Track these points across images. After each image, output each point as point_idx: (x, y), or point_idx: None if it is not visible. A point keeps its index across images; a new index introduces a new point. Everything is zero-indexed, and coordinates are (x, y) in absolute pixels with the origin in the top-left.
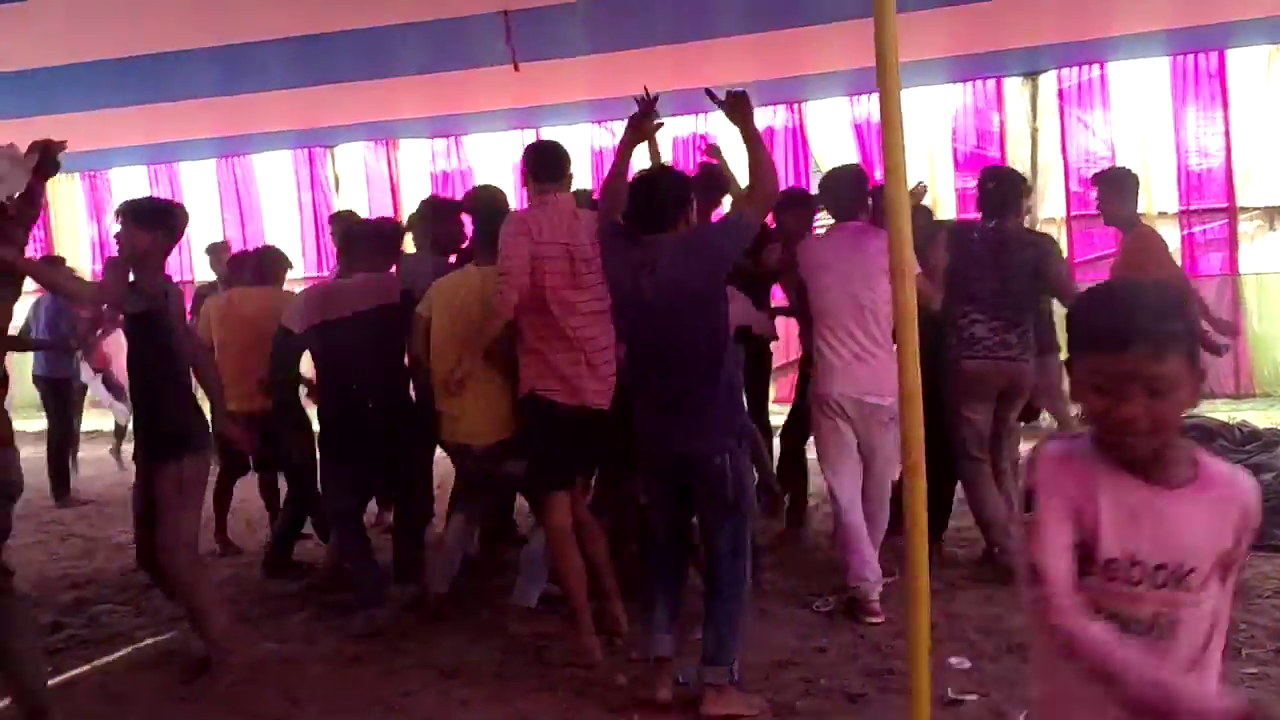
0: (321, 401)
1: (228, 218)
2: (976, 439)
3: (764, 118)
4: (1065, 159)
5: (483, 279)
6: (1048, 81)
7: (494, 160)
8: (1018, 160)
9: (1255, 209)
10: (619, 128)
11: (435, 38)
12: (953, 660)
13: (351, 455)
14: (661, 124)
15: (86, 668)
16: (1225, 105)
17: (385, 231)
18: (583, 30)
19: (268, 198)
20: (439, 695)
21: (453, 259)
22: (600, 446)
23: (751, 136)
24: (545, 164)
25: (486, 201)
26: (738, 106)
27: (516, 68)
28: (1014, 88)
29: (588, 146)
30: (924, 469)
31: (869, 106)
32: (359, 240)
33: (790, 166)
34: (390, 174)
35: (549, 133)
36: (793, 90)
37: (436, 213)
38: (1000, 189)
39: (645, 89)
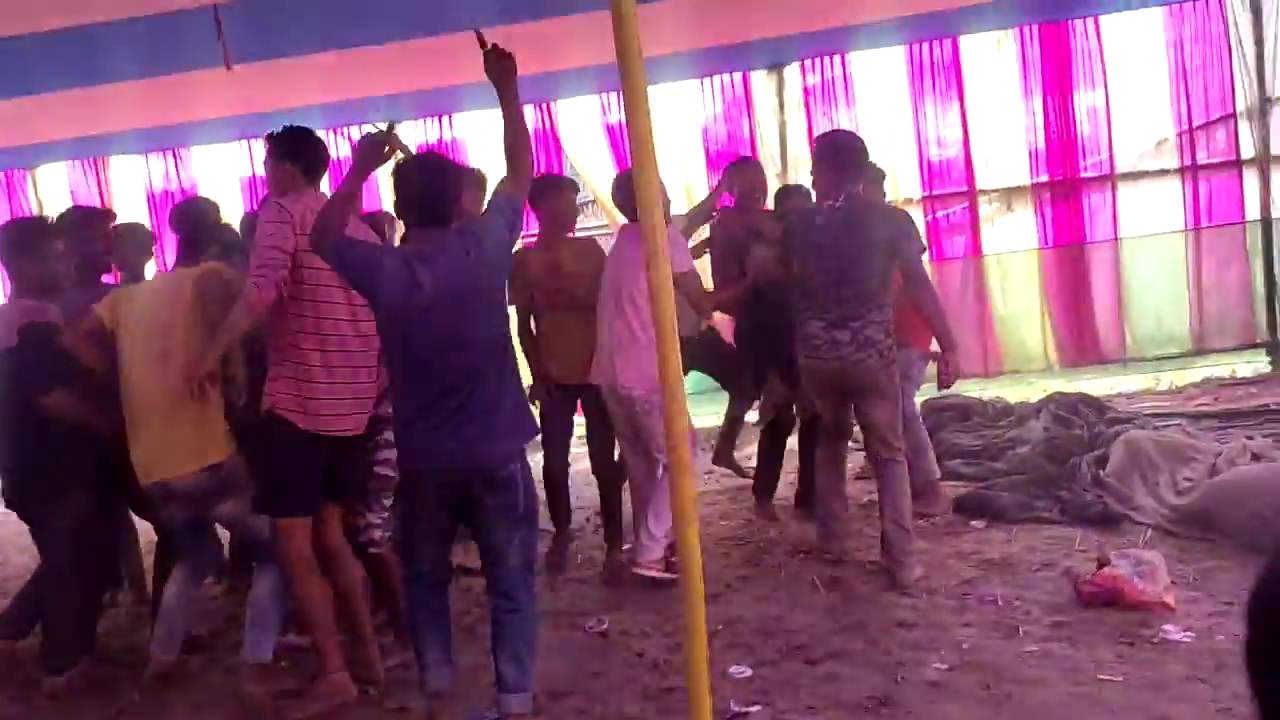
0: None
1: None
2: (823, 428)
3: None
4: (813, 152)
5: (186, 279)
6: (792, 75)
7: (220, 174)
8: (769, 155)
9: (993, 190)
10: (355, 133)
11: (143, 37)
12: (733, 669)
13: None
14: (395, 149)
15: None
16: (961, 92)
17: None
18: (307, 26)
19: None
20: None
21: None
22: (356, 472)
23: (508, 106)
24: (310, 153)
25: (197, 209)
26: (499, 66)
27: (229, 68)
28: (760, 82)
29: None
30: (688, 465)
31: (619, 108)
32: None
33: (544, 167)
34: (101, 195)
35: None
36: (543, 88)
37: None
38: (840, 155)
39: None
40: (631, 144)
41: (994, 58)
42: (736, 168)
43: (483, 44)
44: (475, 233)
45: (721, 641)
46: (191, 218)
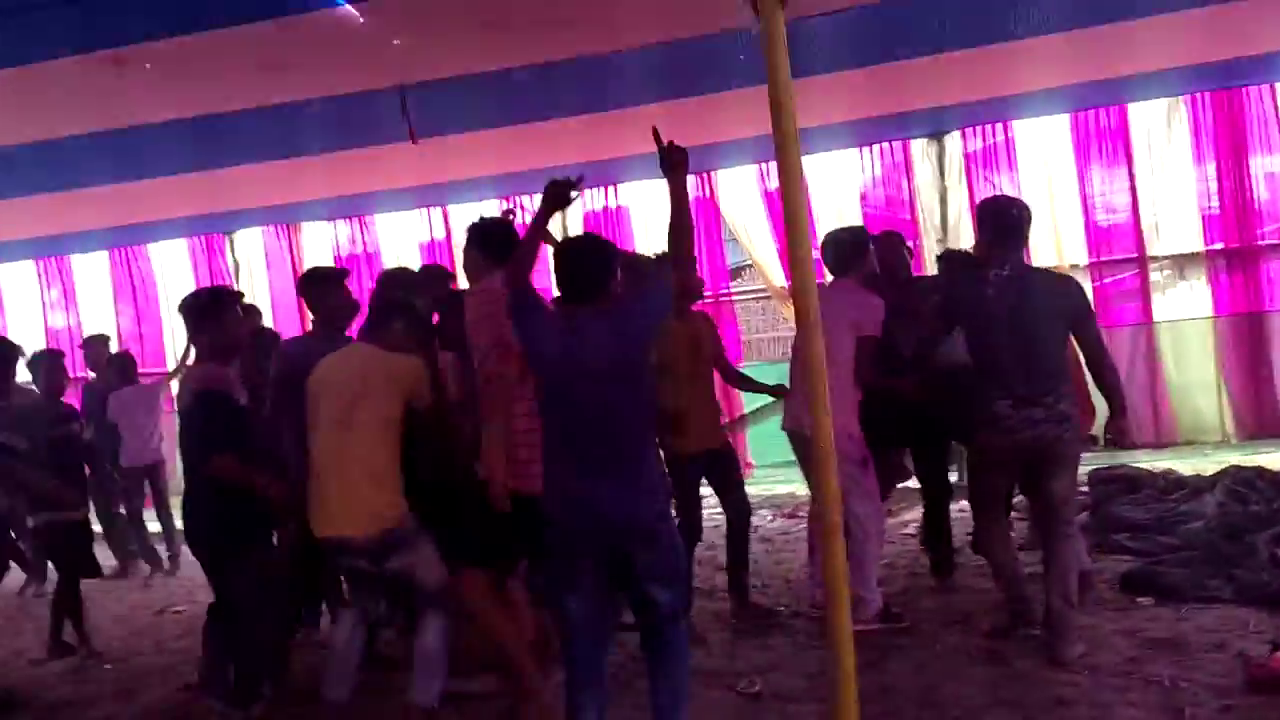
0: None
1: (123, 313)
2: (992, 500)
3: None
4: (974, 216)
5: (379, 363)
6: (953, 142)
7: (401, 240)
8: (929, 223)
9: (1165, 258)
10: (528, 202)
11: (334, 116)
12: None
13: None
14: (579, 194)
15: None
16: (1129, 159)
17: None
18: (485, 103)
19: (165, 288)
20: None
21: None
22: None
23: (680, 192)
24: (496, 242)
25: (394, 279)
26: (673, 157)
27: (415, 141)
28: (920, 150)
29: None
30: (842, 530)
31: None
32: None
33: (703, 235)
34: (293, 259)
35: (457, 210)
36: (703, 159)
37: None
38: (1001, 220)
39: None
40: (784, 205)
41: (1163, 124)
42: (877, 241)
43: (658, 140)
44: (627, 311)
45: (875, 709)
46: (387, 292)
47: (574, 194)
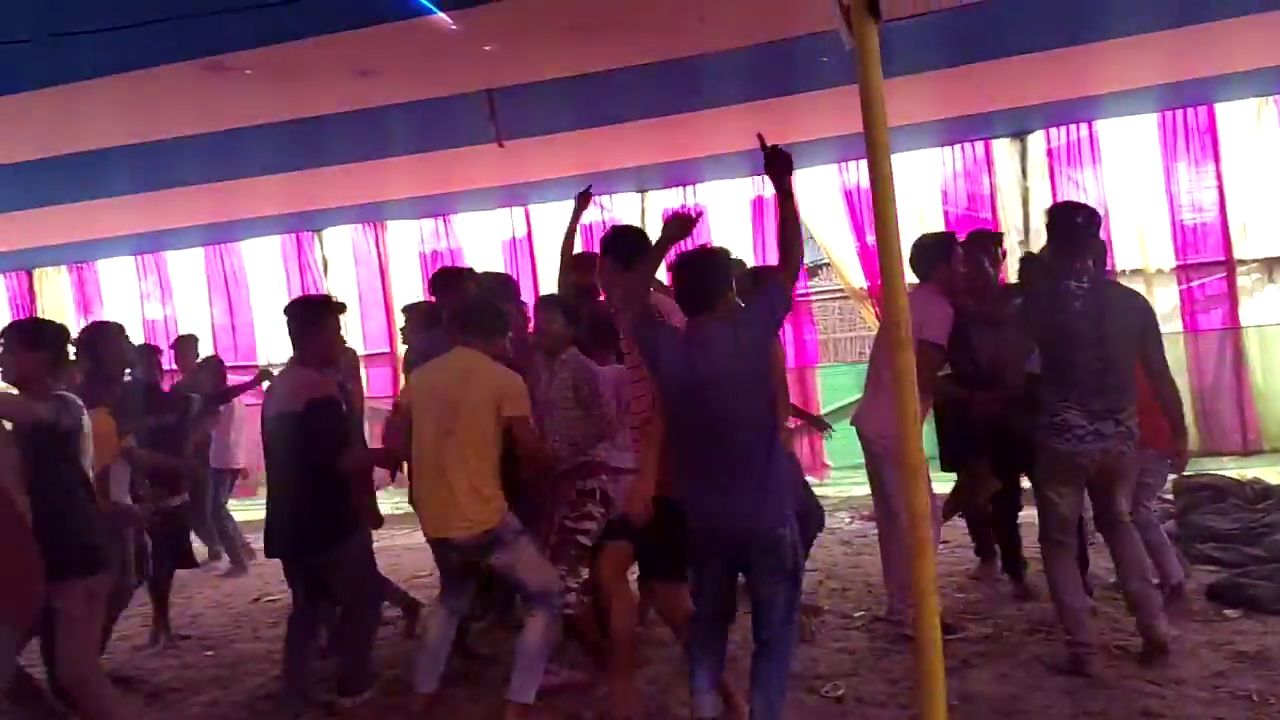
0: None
1: (216, 306)
2: (1058, 521)
3: (756, 187)
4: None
5: (481, 368)
6: (1036, 141)
7: (483, 238)
8: (1010, 222)
9: (1253, 261)
10: (607, 201)
11: (421, 119)
12: None
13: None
14: (696, 222)
15: None
16: (1217, 159)
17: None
18: (567, 106)
19: (256, 284)
20: None
21: None
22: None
23: (785, 200)
24: (632, 245)
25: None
26: (777, 160)
27: (501, 144)
28: (1003, 149)
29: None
30: (930, 549)
31: (858, 173)
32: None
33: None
34: (379, 255)
35: (538, 209)
36: None
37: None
38: (1089, 225)
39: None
40: (875, 214)
41: (1253, 124)
42: (965, 243)
43: (763, 145)
44: (744, 320)
45: (957, 717)
46: (492, 297)
47: (691, 225)
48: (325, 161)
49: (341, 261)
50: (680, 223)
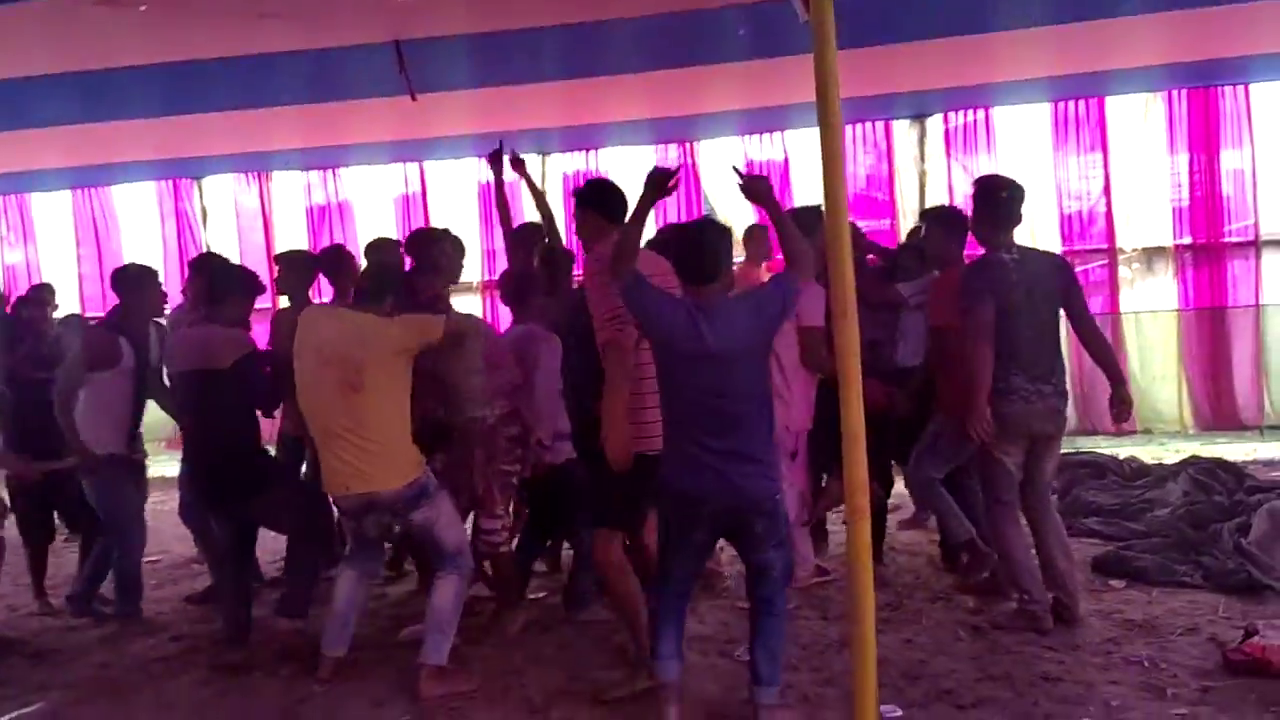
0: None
1: (84, 253)
2: (1007, 482)
3: (657, 155)
4: (951, 201)
5: (385, 328)
6: (935, 125)
7: (374, 194)
8: (907, 203)
9: (1134, 250)
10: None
11: (317, 67)
12: (884, 709)
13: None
14: (678, 182)
15: None
16: (1105, 150)
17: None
18: (471, 62)
19: (129, 232)
20: None
21: None
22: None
23: (775, 215)
24: (614, 202)
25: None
26: (755, 187)
27: (414, 98)
28: (902, 130)
29: (474, 180)
30: (869, 513)
31: (762, 147)
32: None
33: (683, 206)
34: (263, 207)
35: (434, 166)
36: (685, 129)
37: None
38: (1015, 199)
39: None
40: (826, 191)
41: (1141, 118)
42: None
43: (738, 174)
44: (757, 298)
45: None
46: (378, 270)
47: (672, 184)
48: (210, 107)
49: (222, 212)
50: (661, 178)
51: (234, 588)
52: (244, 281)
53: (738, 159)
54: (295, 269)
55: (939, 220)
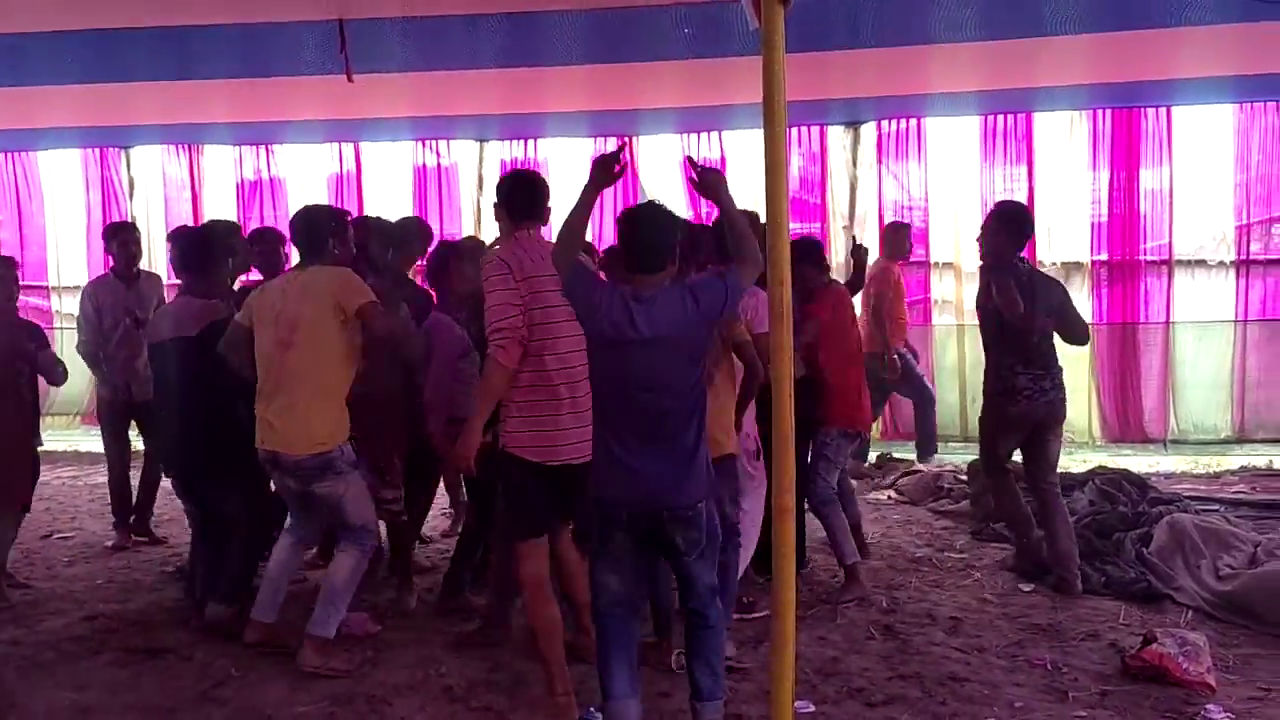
0: None
1: (4, 218)
2: (998, 463)
3: (595, 148)
4: (880, 207)
5: (320, 279)
6: (868, 132)
7: (307, 172)
8: (839, 207)
9: (1053, 264)
10: (444, 147)
11: (254, 42)
12: (798, 704)
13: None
14: (624, 168)
15: None
16: (1030, 165)
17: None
18: (413, 46)
19: (51, 199)
20: None
21: None
22: (578, 494)
23: (726, 210)
24: (525, 197)
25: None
26: (707, 180)
27: (350, 78)
28: (837, 136)
29: (410, 164)
30: (794, 512)
31: (699, 146)
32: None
33: (619, 200)
34: (192, 180)
35: (370, 148)
36: (625, 123)
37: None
38: (1030, 222)
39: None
40: (768, 197)
41: (1066, 135)
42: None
43: (694, 165)
44: (696, 289)
45: None
46: (309, 226)
47: (618, 168)
48: (142, 76)
49: (149, 183)
50: (607, 165)
51: (201, 564)
52: (219, 251)
53: (676, 156)
54: (267, 244)
55: (1004, 220)
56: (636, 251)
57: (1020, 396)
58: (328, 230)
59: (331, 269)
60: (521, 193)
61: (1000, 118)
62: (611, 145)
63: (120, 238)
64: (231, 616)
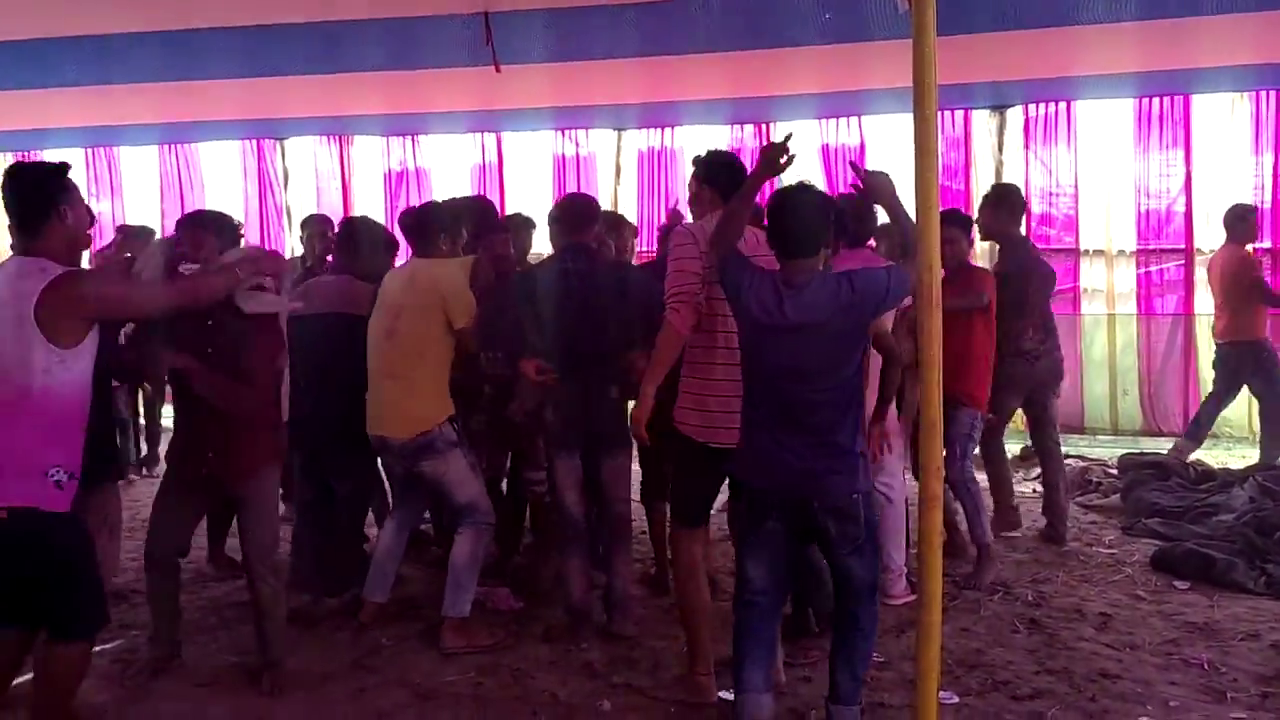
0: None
1: (168, 207)
2: (1000, 422)
3: (733, 136)
4: (1027, 192)
5: (414, 270)
6: (1015, 116)
7: (451, 162)
8: (983, 193)
9: (1211, 251)
10: (583, 137)
11: (402, 35)
12: (941, 695)
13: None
14: (793, 158)
15: None
16: (1188, 149)
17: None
18: (555, 36)
19: (212, 188)
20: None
21: None
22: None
23: (896, 213)
24: (728, 177)
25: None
26: (875, 184)
27: (498, 69)
28: (981, 120)
29: (550, 153)
30: (939, 499)
31: (837, 132)
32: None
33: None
34: (342, 170)
35: (512, 138)
36: (761, 110)
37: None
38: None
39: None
40: (917, 180)
41: (1226, 118)
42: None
43: (857, 170)
44: (854, 278)
45: None
46: (419, 221)
47: (784, 159)
48: (291, 70)
49: (303, 174)
50: (774, 156)
51: (308, 540)
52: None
53: (814, 143)
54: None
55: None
56: (787, 236)
57: (1030, 354)
58: (439, 225)
59: (441, 264)
60: (729, 172)
61: (1156, 100)
62: (749, 133)
63: (311, 229)
64: (347, 604)
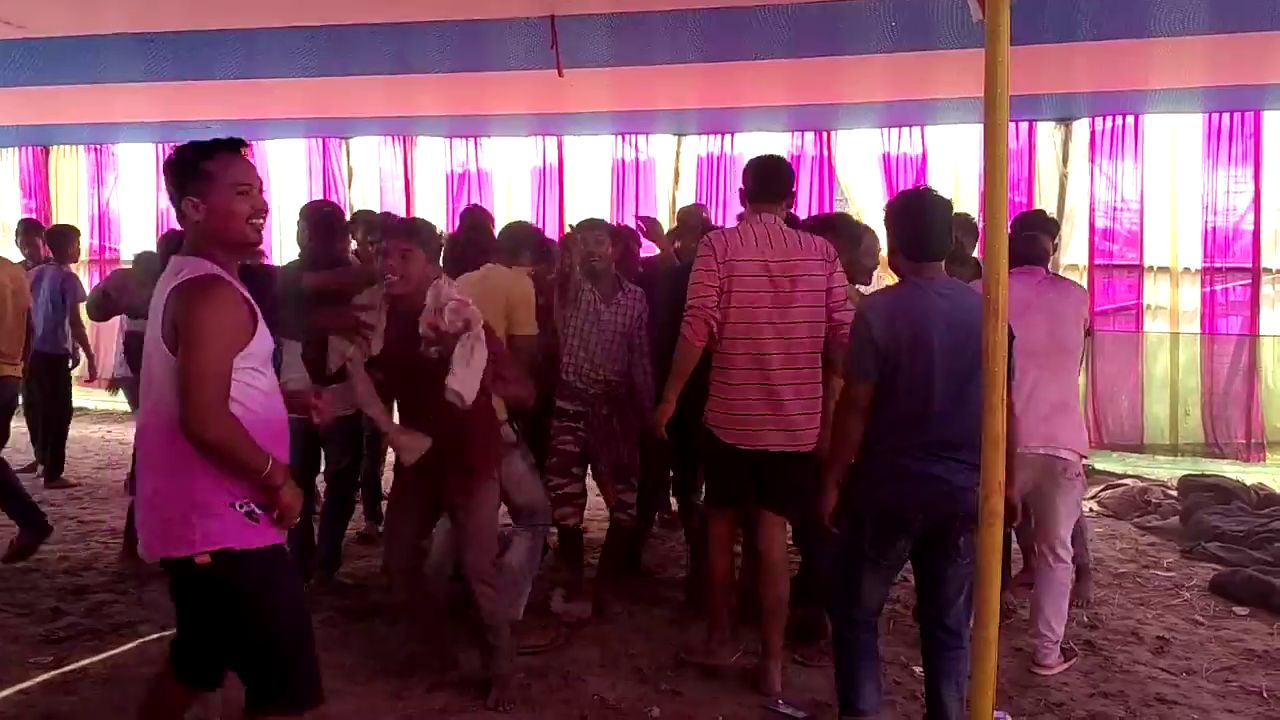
0: None
1: None
2: None
3: (792, 143)
4: (1091, 207)
5: (484, 275)
6: (1080, 129)
7: (512, 164)
8: (1046, 207)
9: (1278, 271)
10: (642, 142)
11: (469, 38)
12: (996, 714)
13: None
14: None
15: (96, 659)
16: (1258, 166)
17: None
18: (619, 41)
19: (278, 186)
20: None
21: None
22: (793, 486)
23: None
24: (752, 182)
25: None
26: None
27: (561, 73)
28: (1046, 132)
29: (609, 158)
30: (1002, 516)
31: (899, 141)
32: None
33: (815, 195)
34: (405, 170)
35: (572, 142)
36: (823, 118)
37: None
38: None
39: None
40: (985, 191)
41: None
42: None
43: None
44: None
45: None
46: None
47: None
48: (358, 70)
49: (367, 172)
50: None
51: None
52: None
53: (875, 151)
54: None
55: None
56: (916, 241)
57: None
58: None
59: (515, 280)
60: (751, 177)
61: (1226, 116)
62: (809, 140)
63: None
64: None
